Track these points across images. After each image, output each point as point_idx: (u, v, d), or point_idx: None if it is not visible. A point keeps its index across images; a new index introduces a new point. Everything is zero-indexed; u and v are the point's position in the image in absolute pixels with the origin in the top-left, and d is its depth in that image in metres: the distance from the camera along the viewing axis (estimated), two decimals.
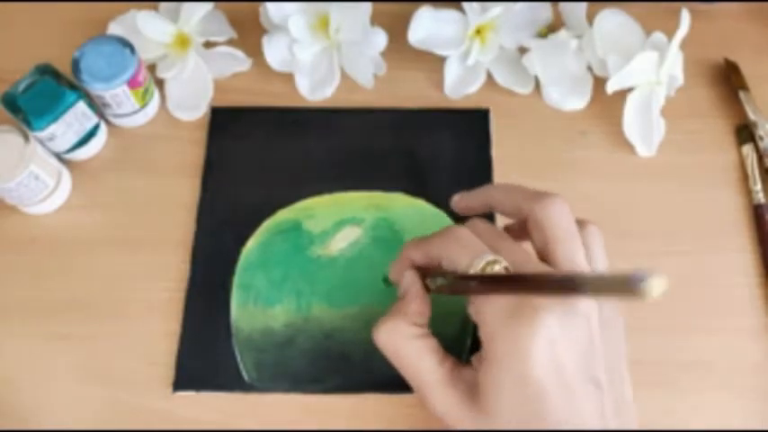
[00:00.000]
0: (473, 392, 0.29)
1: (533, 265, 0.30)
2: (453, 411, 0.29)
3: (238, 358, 0.37)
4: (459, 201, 0.36)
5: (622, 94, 0.42)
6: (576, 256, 0.30)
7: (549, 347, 0.27)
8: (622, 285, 0.21)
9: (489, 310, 0.28)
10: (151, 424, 0.36)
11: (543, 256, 0.31)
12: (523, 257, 0.30)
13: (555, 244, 0.30)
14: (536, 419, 0.27)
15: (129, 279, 0.40)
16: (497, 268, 0.29)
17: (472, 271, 0.29)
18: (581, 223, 0.32)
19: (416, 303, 0.32)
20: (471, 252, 0.29)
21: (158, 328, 0.38)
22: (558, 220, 0.31)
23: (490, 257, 0.29)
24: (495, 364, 0.28)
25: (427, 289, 0.32)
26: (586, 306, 0.28)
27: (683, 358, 0.38)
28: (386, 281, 0.36)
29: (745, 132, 0.43)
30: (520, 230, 0.34)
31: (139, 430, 0.36)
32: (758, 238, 0.40)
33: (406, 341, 0.31)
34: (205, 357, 0.37)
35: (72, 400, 0.37)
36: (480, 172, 0.42)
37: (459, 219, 0.34)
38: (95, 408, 0.37)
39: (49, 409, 0.37)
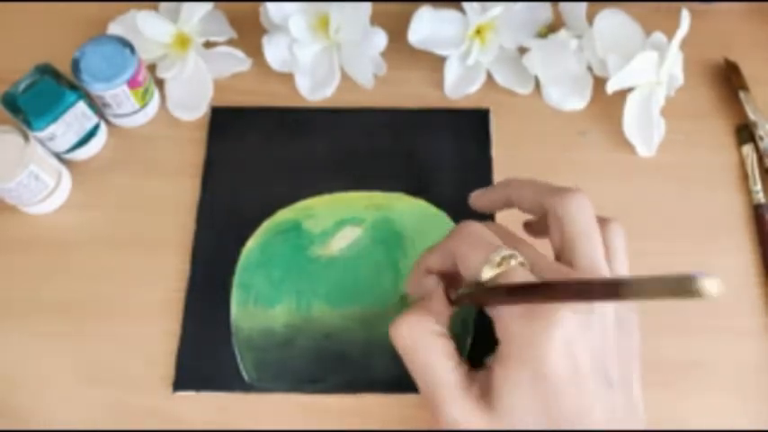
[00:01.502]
0: (486, 395, 0.28)
1: (549, 264, 0.29)
2: (466, 415, 0.28)
3: (238, 358, 0.37)
4: (479, 197, 0.34)
5: (622, 94, 0.42)
6: (595, 254, 0.29)
7: (566, 347, 0.27)
8: (679, 286, 0.20)
9: (506, 310, 0.28)
10: (151, 424, 0.36)
11: (560, 254, 0.30)
12: (538, 255, 0.29)
13: (573, 241, 0.29)
14: (546, 417, 0.27)
15: (129, 279, 0.40)
16: (514, 263, 0.28)
17: (488, 266, 0.28)
18: (603, 221, 0.31)
19: (439, 304, 0.31)
20: (486, 247, 0.28)
21: (158, 328, 0.38)
22: (577, 215, 0.29)
23: (506, 252, 0.28)
24: (512, 363, 0.27)
25: (449, 300, 0.31)
26: (602, 304, 0.28)
27: (683, 358, 0.38)
28: (402, 300, 0.35)
29: (745, 132, 0.43)
30: (539, 229, 0.33)
31: (139, 430, 0.36)
32: (758, 239, 0.40)
33: (428, 337, 0.29)
34: (205, 357, 0.37)
35: (72, 400, 0.37)
36: (480, 172, 0.42)
37: (459, 220, 0.34)
38: (95, 408, 0.37)
39: (48, 409, 0.37)
